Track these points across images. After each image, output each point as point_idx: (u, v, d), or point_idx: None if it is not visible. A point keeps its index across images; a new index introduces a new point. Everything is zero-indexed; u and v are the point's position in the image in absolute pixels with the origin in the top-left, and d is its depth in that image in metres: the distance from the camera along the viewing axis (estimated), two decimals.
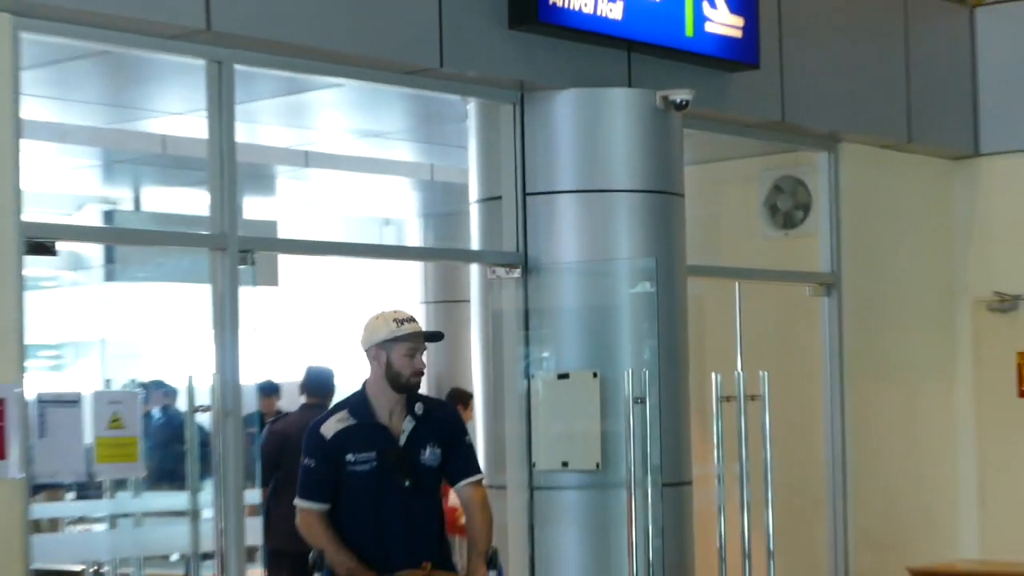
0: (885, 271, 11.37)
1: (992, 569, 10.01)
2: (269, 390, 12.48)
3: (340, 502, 6.63)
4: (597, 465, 8.95)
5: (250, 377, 8.65)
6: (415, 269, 16.08)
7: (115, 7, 7.30)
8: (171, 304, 13.24)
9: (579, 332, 9.11)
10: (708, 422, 10.30)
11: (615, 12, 9.12)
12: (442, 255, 15.19)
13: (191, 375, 8.21)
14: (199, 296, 8.34)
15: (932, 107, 11.58)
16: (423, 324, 16.19)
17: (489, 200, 9.40)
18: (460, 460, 6.66)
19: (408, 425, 6.51)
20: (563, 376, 9.05)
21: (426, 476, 6.49)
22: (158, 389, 12.79)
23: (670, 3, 9.47)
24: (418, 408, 6.60)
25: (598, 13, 9.02)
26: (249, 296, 8.25)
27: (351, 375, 8.67)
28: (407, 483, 6.39)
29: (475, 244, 9.58)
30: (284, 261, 14.02)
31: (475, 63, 8.81)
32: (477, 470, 6.85)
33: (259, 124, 10.13)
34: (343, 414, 6.69)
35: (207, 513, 8.31)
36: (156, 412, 12.35)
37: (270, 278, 12.52)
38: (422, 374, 6.63)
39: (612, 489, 8.95)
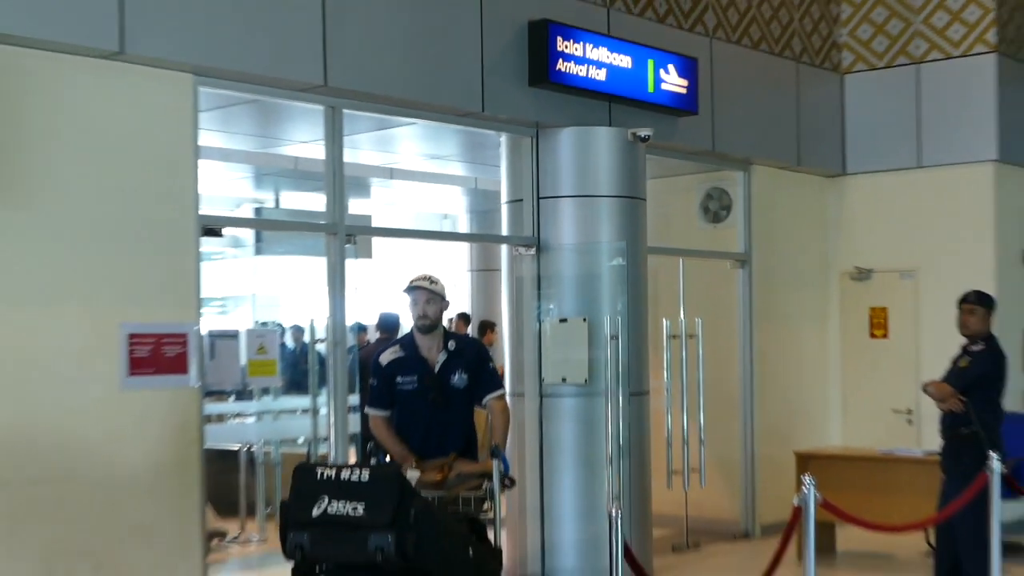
0: (781, 252, 11.36)
1: (849, 453, 9.98)
2: (360, 328, 12.49)
3: (395, 410, 6.64)
4: (585, 380, 8.90)
5: (350, 320, 8.65)
6: (464, 248, 16.06)
7: (262, 69, 7.43)
8: (298, 271, 13.26)
9: (574, 291, 9.09)
10: (660, 352, 10.34)
11: (600, 75, 9.09)
12: (482, 239, 15.31)
13: (312, 318, 8.37)
14: (317, 265, 8.32)
15: (814, 141, 11.56)
16: (467, 285, 17.19)
17: (514, 202, 9.36)
18: (484, 381, 6.56)
19: (442, 357, 6.45)
20: (563, 320, 9.01)
21: (454, 394, 6.47)
22: (290, 328, 12.92)
23: (637, 70, 9.41)
24: (451, 345, 6.54)
25: (589, 76, 9.00)
26: (351, 266, 8.28)
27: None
28: (439, 399, 6.41)
29: (504, 231, 9.55)
30: (376, 242, 14.11)
31: (505, 109, 8.79)
32: (498, 387, 6.74)
33: (359, 149, 10.06)
34: (396, 348, 6.68)
35: (323, 410, 8.55)
36: (289, 343, 12.43)
37: (366, 253, 12.49)
38: (424, 318, 6.46)
39: (595, 397, 8.93)
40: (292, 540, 4.87)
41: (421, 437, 6.45)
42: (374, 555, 4.67)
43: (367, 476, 4.80)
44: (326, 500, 4.78)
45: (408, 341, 6.65)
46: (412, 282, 6.51)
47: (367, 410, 6.78)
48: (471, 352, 6.69)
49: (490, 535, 5.98)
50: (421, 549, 4.67)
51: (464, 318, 14.68)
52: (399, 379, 6.46)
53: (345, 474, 4.89)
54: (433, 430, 6.45)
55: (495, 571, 5.73)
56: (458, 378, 6.44)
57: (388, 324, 11.65)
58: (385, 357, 6.68)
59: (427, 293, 6.41)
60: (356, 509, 4.66)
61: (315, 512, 4.80)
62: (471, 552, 5.24)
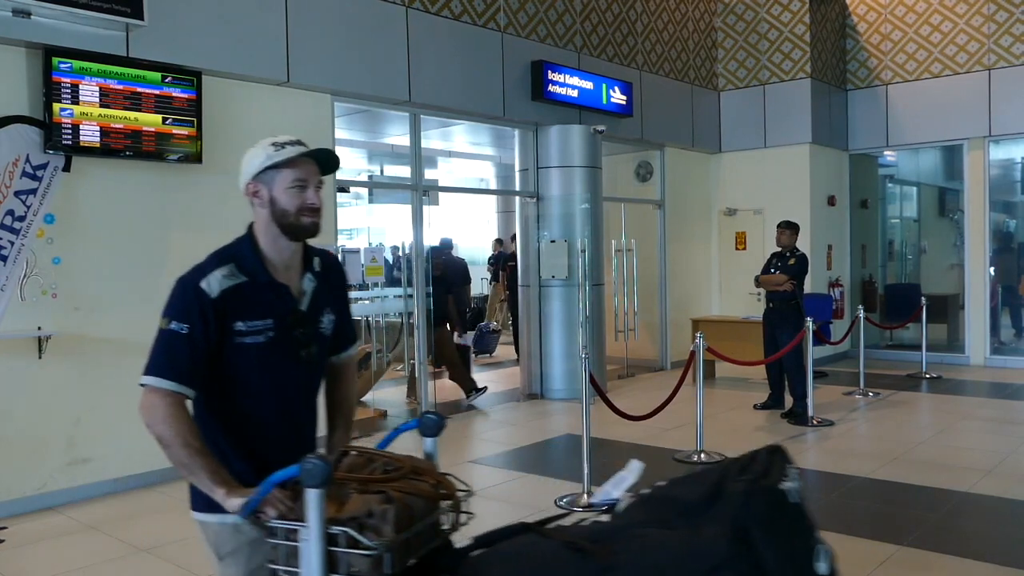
0: (682, 199, 11.16)
1: (723, 318, 9.94)
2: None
3: (223, 383, 2.01)
4: (566, 277, 8.81)
5: (425, 242, 8.37)
6: (493, 198, 15.84)
7: (372, 91, 7.29)
8: (394, 213, 13.05)
9: (559, 224, 8.92)
10: (610, 260, 10.19)
11: (575, 94, 8.97)
12: (503, 192, 15.03)
13: (403, 241, 8.17)
14: (405, 210, 8.13)
15: (702, 132, 11.32)
16: (496, 229, 16.67)
17: (523, 170, 9.16)
18: (350, 324, 2.29)
19: (308, 284, 2.13)
20: (552, 241, 8.89)
21: (324, 349, 2.19)
22: (390, 247, 12.81)
23: (597, 90, 9.23)
24: (316, 263, 2.17)
25: (567, 94, 8.86)
26: (425, 210, 8.11)
27: (462, 242, 8.74)
28: (312, 356, 2.11)
29: (517, 187, 9.29)
30: (441, 196, 13.90)
31: (518, 114, 8.60)
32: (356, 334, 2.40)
33: (430, 138, 9.95)
34: (230, 267, 2.03)
35: (410, 296, 8.25)
36: (389, 257, 12.35)
37: (435, 202, 12.22)
38: (318, 212, 2.07)
39: (572, 287, 8.86)
40: None
41: (285, 431, 2.09)
42: None
43: None
44: None
45: (248, 254, 2.07)
46: (283, 146, 2.05)
47: (146, 380, 1.94)
48: (339, 273, 2.27)
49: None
50: None
51: (499, 241, 14.60)
52: (241, 325, 1.98)
53: None
54: (301, 414, 2.15)
55: None
56: (327, 321, 2.17)
57: (443, 244, 11.52)
58: (214, 282, 1.98)
59: (314, 164, 2.09)
60: None
61: None
62: None
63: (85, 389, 5.58)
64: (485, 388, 8.77)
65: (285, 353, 2.06)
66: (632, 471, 1.99)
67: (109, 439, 5.67)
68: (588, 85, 9.14)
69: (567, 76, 8.89)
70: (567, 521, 1.83)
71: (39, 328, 5.35)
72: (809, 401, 7.48)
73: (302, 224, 2.06)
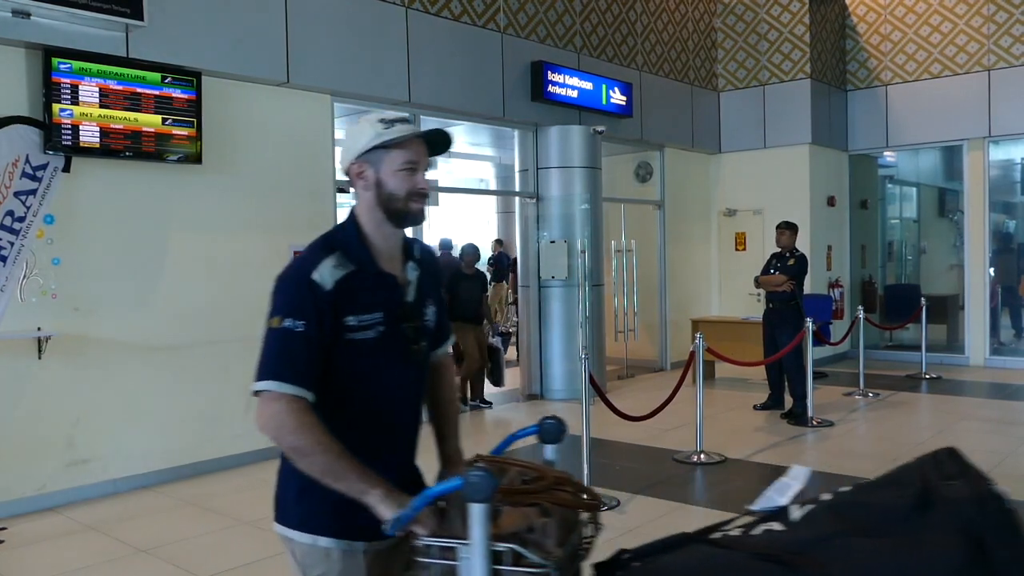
0: (682, 200, 11.18)
1: (722, 319, 9.92)
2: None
3: (329, 385, 1.76)
4: (566, 277, 8.80)
5: (425, 243, 8.34)
6: (492, 199, 15.74)
7: (372, 92, 7.27)
8: None
9: (559, 224, 8.90)
10: (610, 260, 10.17)
11: (574, 94, 8.96)
12: (503, 193, 14.97)
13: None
14: None
15: (702, 133, 11.31)
16: (496, 230, 16.04)
17: (523, 170, 9.14)
18: (446, 316, 2.07)
19: (412, 273, 1.89)
20: (552, 241, 8.87)
21: (431, 345, 1.97)
22: None
23: (596, 91, 9.23)
24: (416, 251, 1.93)
25: (567, 95, 8.85)
26: (425, 210, 7.99)
27: (462, 242, 8.68)
28: (416, 350, 1.89)
29: (517, 188, 9.28)
30: (441, 196, 13.85)
31: (517, 114, 8.59)
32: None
33: None
34: (337, 255, 1.78)
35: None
36: None
37: (434, 203, 12.14)
38: (426, 196, 1.84)
39: (572, 287, 8.84)
40: None
41: (395, 437, 1.90)
42: None
43: None
44: None
45: (354, 241, 1.82)
46: (392, 123, 1.80)
47: (264, 386, 1.70)
48: (435, 261, 2.04)
49: None
50: None
51: (500, 242, 14.48)
52: (352, 320, 1.75)
53: None
54: (410, 417, 1.93)
55: None
56: (431, 312, 1.94)
57: (442, 243, 11.50)
58: (326, 272, 1.75)
59: (424, 145, 1.84)
60: None
61: None
62: None
63: (85, 389, 5.58)
64: (491, 404, 8.62)
65: (395, 349, 1.85)
66: (798, 477, 1.82)
67: (109, 439, 5.67)
68: (588, 86, 9.14)
69: (567, 76, 8.88)
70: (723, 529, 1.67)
71: (39, 328, 5.34)
72: (809, 401, 7.47)
73: (410, 210, 1.84)
